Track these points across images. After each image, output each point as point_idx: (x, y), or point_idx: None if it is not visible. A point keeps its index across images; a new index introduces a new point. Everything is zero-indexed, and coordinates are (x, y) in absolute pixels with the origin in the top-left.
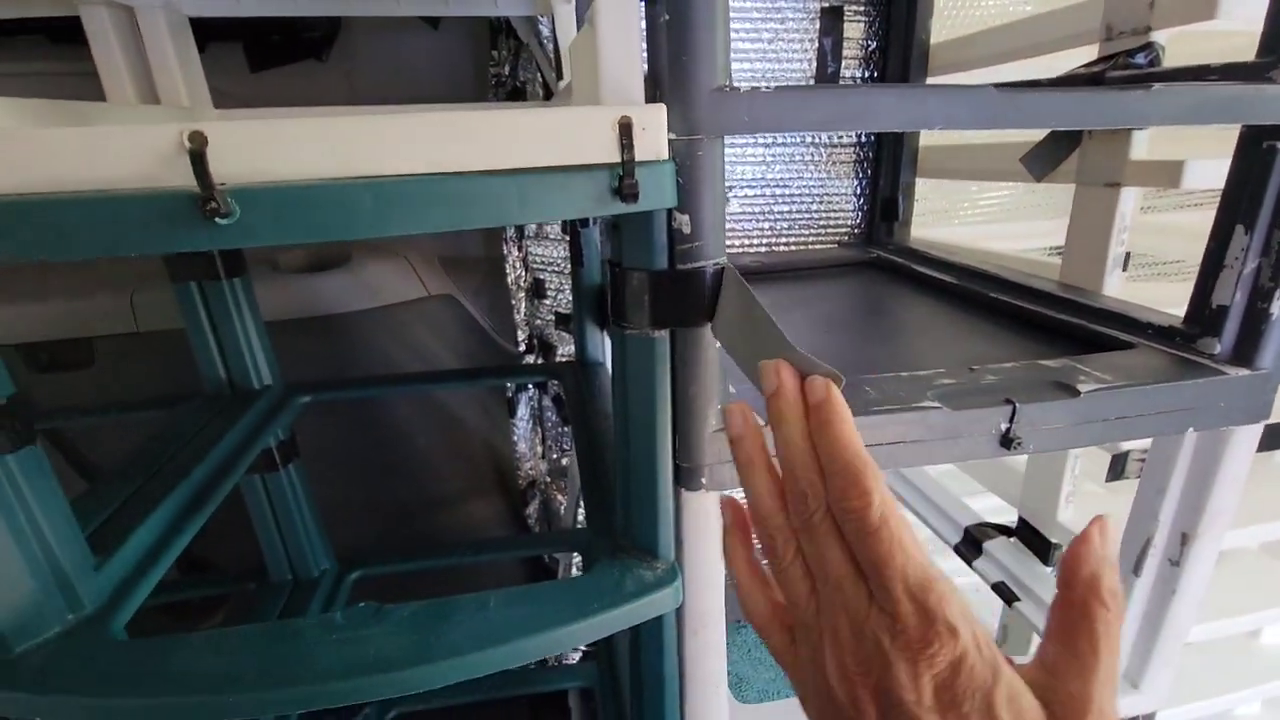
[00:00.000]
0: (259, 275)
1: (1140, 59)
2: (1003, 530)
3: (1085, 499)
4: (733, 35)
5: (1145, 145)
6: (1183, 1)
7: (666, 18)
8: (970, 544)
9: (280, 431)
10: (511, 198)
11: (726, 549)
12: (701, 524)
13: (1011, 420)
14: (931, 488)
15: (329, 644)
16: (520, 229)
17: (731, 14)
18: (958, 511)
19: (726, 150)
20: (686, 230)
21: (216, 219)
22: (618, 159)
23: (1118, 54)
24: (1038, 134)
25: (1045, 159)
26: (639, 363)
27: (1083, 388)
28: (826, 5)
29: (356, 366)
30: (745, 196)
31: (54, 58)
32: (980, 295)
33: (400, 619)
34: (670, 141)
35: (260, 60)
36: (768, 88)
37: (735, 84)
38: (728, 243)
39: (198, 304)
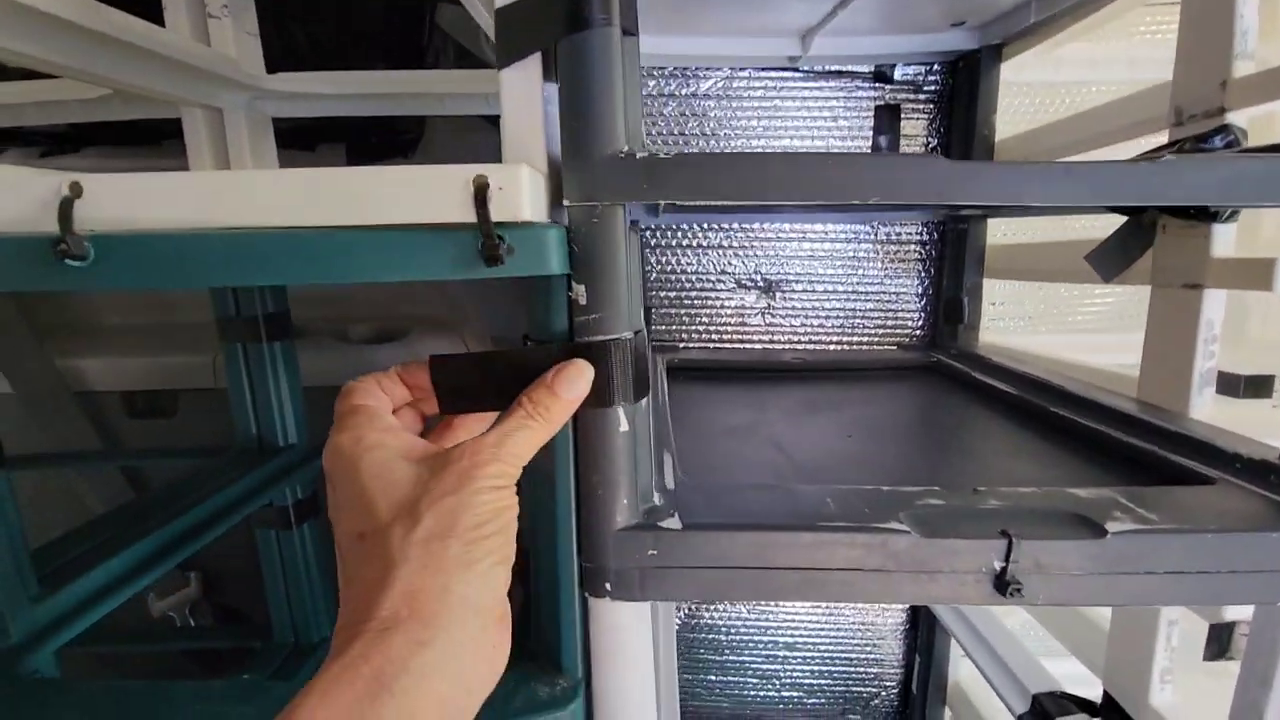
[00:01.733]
0: (328, 345)
1: (1216, 142)
2: (1084, 706)
3: (1191, 676)
4: (788, 130)
5: (1230, 241)
6: (1261, 79)
7: (563, 86)
8: (1039, 717)
9: (299, 489)
10: (368, 255)
11: None
12: (614, 637)
13: (1007, 558)
14: (1000, 639)
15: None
16: None
17: (787, 110)
18: (1028, 673)
19: (770, 245)
20: (583, 301)
21: (67, 260)
22: (473, 219)
23: (1186, 139)
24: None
25: (1113, 257)
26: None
27: (1112, 526)
28: (881, 104)
29: None
30: (794, 292)
31: (157, 156)
32: (1042, 410)
33: None
34: (567, 208)
35: (356, 158)
36: (667, 153)
37: (638, 150)
38: (772, 338)
39: (240, 364)
